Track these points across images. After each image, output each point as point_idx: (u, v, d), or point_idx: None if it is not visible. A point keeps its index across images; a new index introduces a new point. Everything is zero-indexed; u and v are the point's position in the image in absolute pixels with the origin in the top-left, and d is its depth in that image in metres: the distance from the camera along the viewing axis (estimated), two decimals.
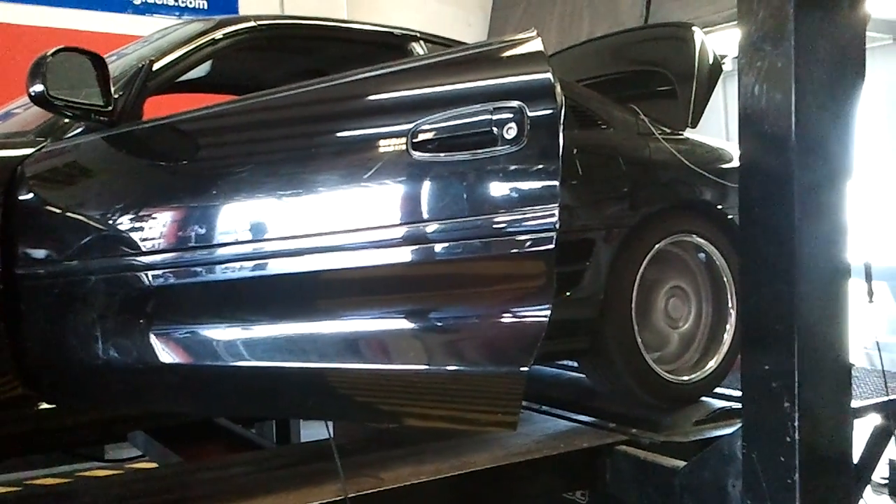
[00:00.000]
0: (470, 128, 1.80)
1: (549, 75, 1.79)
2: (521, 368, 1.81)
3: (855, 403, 2.60)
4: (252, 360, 1.96)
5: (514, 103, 1.78)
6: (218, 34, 2.36)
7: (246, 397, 2.10)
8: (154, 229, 1.98)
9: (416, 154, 1.81)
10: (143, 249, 1.96)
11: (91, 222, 2.02)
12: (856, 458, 2.67)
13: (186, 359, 2.00)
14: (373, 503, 2.19)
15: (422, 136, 1.82)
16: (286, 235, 1.91)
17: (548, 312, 1.76)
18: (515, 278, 1.85)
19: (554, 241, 1.74)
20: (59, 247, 2.03)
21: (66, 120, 2.10)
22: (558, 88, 1.80)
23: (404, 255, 1.85)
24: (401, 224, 1.83)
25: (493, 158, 1.77)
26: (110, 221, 2.01)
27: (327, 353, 1.93)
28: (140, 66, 2.16)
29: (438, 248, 1.82)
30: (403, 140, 1.82)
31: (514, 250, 1.78)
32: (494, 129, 1.78)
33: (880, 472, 3.87)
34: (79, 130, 2.11)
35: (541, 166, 1.76)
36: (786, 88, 1.93)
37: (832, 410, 2.02)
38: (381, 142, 1.88)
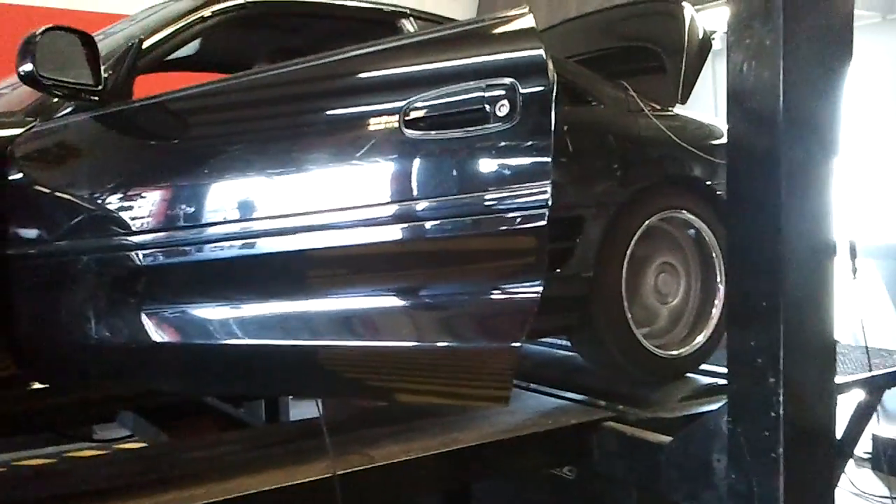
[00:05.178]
0: (462, 105, 1.80)
1: (541, 52, 1.79)
2: (514, 344, 1.82)
3: (839, 379, 2.63)
4: (243, 339, 1.96)
5: (507, 80, 1.78)
6: (207, 12, 2.34)
7: (237, 375, 2.11)
8: (144, 209, 1.98)
9: (409, 132, 1.81)
10: (134, 229, 1.96)
11: (81, 202, 2.01)
12: (839, 433, 2.72)
13: (177, 338, 2.00)
14: (362, 480, 2.19)
15: (414, 114, 1.82)
16: (277, 214, 1.91)
17: (540, 288, 1.78)
18: (508, 255, 1.86)
19: (546, 218, 1.75)
20: (49, 227, 2.03)
21: (56, 99, 2.08)
22: (550, 65, 1.81)
23: (396, 232, 1.86)
24: (393, 202, 1.84)
25: (485, 136, 1.78)
26: (100, 201, 2.00)
27: (318, 331, 1.94)
28: (130, 44, 2.15)
29: (430, 225, 1.83)
30: (395, 118, 1.82)
31: (507, 227, 1.79)
32: (487, 107, 1.78)
33: (863, 447, 3.93)
34: (69, 110, 2.10)
35: (533, 143, 1.77)
36: (774, 66, 1.93)
37: (816, 386, 2.04)
38: (373, 120, 1.88)
